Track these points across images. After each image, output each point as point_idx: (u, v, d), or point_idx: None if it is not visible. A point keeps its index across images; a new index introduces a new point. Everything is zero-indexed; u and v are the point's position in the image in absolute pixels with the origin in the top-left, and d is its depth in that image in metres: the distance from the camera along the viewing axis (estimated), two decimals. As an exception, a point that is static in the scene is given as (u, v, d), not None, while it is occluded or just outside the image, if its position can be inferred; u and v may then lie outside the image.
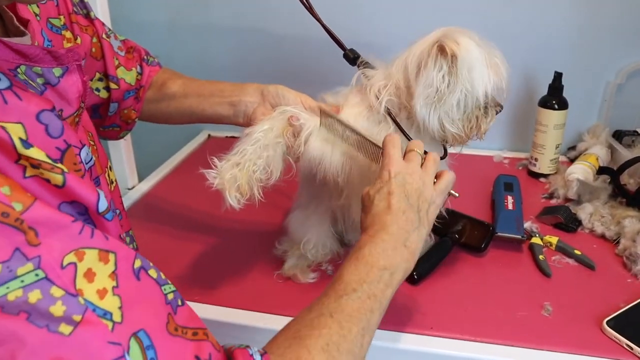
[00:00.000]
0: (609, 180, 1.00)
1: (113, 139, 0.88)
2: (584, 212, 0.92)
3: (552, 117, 1.07)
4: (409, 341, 0.68)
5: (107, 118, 0.80)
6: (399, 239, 0.55)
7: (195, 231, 0.93)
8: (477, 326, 0.69)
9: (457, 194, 0.66)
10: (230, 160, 0.66)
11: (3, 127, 0.36)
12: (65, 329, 0.33)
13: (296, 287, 0.78)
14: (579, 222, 0.92)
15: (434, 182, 0.61)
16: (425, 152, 0.63)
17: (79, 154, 0.47)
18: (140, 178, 1.14)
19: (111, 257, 0.38)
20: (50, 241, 0.34)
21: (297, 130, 0.69)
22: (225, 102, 0.77)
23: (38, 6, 0.58)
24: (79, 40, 0.67)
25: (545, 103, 1.08)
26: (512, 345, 0.67)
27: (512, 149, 1.25)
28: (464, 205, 0.90)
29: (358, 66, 0.74)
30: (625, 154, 1.08)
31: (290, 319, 0.71)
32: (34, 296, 0.33)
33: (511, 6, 1.15)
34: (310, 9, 0.75)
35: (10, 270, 0.32)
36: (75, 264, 0.35)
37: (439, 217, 0.80)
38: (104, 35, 0.75)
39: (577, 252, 0.83)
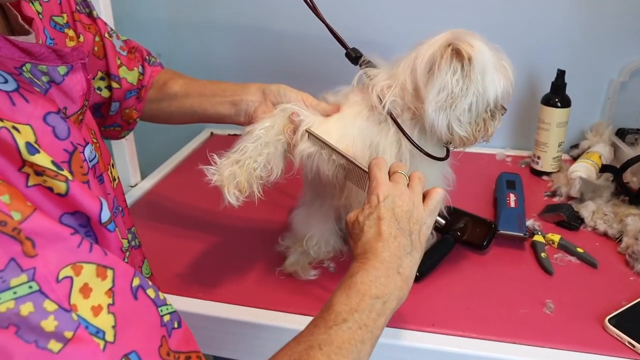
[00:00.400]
0: (611, 178, 1.00)
1: (114, 139, 0.88)
2: (587, 210, 0.92)
3: (555, 115, 1.06)
4: (411, 338, 0.68)
5: (108, 117, 0.80)
6: (391, 266, 0.53)
7: (198, 228, 0.94)
8: (479, 324, 0.69)
9: (443, 222, 0.64)
10: (231, 158, 0.66)
11: (9, 131, 0.35)
12: (54, 345, 0.33)
13: (298, 284, 0.78)
14: (581, 220, 0.92)
15: (423, 202, 0.59)
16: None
17: (83, 152, 0.47)
18: (143, 176, 1.15)
19: (109, 273, 0.37)
20: (47, 253, 0.33)
21: (297, 126, 0.69)
22: (226, 102, 0.77)
23: (41, 4, 0.58)
24: (81, 39, 0.67)
25: (548, 101, 1.08)
26: (514, 343, 0.67)
27: (514, 147, 1.25)
28: (466, 203, 0.90)
29: (360, 65, 0.74)
30: (628, 152, 1.08)
31: (291, 315, 0.72)
32: (26, 309, 0.32)
33: (514, 3, 1.15)
34: (314, 8, 0.75)
35: (4, 281, 0.31)
36: (71, 278, 0.34)
37: (441, 215, 0.80)
38: (106, 35, 0.75)
39: (579, 250, 0.83)
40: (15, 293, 0.32)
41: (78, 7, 0.69)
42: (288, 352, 0.47)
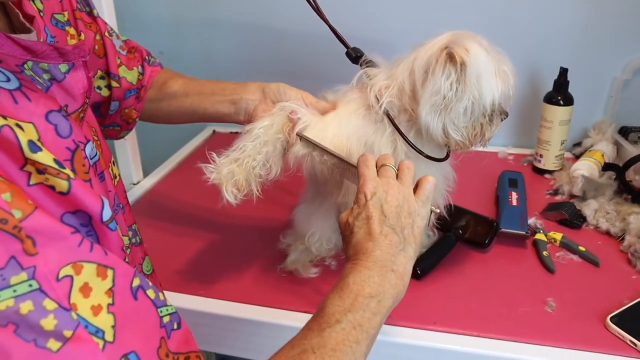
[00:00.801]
0: (614, 176, 0.99)
1: (113, 139, 0.89)
2: (589, 209, 0.92)
3: (558, 113, 1.06)
4: (412, 336, 0.68)
5: (107, 117, 0.80)
6: (384, 264, 0.52)
7: (199, 226, 0.94)
8: (481, 322, 0.69)
9: (437, 210, 0.63)
10: (229, 156, 0.66)
11: (12, 128, 0.35)
12: (53, 344, 0.32)
13: (299, 282, 0.78)
14: (583, 219, 0.92)
15: (414, 192, 0.58)
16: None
17: (84, 150, 0.47)
18: (145, 173, 1.15)
19: (109, 273, 0.37)
20: (47, 251, 0.33)
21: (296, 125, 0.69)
22: (226, 100, 0.77)
23: (42, 2, 0.58)
24: (82, 37, 0.67)
25: (550, 99, 1.07)
26: (516, 341, 0.67)
27: (517, 145, 1.25)
28: (468, 201, 0.90)
29: (360, 65, 0.74)
30: (631, 150, 1.07)
31: (291, 313, 0.72)
32: (26, 307, 0.32)
33: (516, 2, 1.14)
34: (316, 7, 0.75)
35: (4, 279, 0.31)
36: (71, 277, 0.34)
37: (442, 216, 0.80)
38: (106, 34, 0.75)
39: (581, 248, 0.83)
40: (15, 291, 0.31)
41: (79, 6, 0.69)
42: (282, 357, 0.46)
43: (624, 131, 1.17)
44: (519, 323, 0.69)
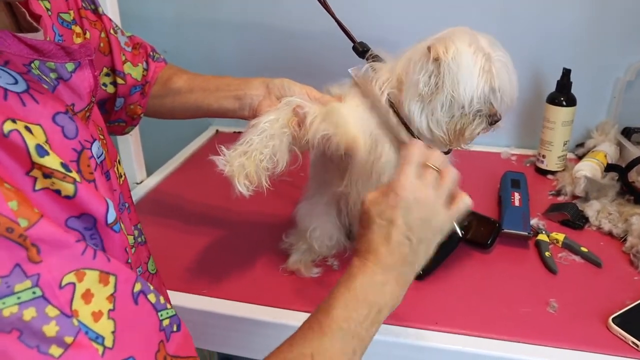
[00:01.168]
0: (617, 177, 0.99)
1: (118, 134, 0.89)
2: (592, 210, 0.92)
3: (560, 114, 1.06)
4: (414, 336, 0.68)
5: (113, 113, 0.81)
6: (392, 275, 0.52)
7: (203, 225, 0.94)
8: (482, 322, 0.70)
9: (460, 233, 0.63)
10: (238, 149, 0.66)
11: (20, 133, 0.35)
12: (55, 350, 0.33)
13: (301, 282, 0.78)
14: (586, 220, 0.92)
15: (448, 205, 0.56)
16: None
17: (91, 149, 0.47)
18: (149, 173, 1.15)
19: (111, 279, 0.37)
20: (51, 259, 0.34)
21: (302, 119, 0.69)
22: (230, 96, 0.77)
23: (49, 1, 0.59)
24: (88, 35, 0.68)
25: (553, 100, 1.07)
26: (517, 342, 0.67)
27: (519, 145, 1.25)
28: (470, 202, 0.90)
29: (367, 59, 0.74)
30: (634, 152, 1.07)
31: (294, 313, 0.72)
32: (29, 314, 0.32)
33: (519, 2, 1.14)
34: (323, 1, 0.75)
35: (8, 286, 0.32)
36: (74, 284, 0.35)
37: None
38: (111, 31, 0.75)
39: (583, 249, 0.83)
40: (19, 298, 0.32)
41: (84, 4, 0.69)
42: (280, 356, 0.47)
43: (627, 132, 1.17)
44: (520, 323, 0.69)
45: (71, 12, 0.64)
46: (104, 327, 0.36)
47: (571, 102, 1.06)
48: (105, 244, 0.42)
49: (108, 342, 0.36)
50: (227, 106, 0.78)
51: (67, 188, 0.37)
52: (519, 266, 0.82)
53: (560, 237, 0.86)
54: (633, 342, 0.65)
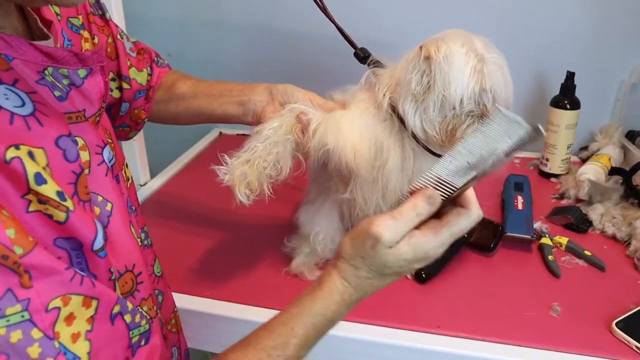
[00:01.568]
0: (621, 181, 0.99)
1: (123, 139, 0.89)
2: (595, 213, 0.92)
3: (564, 117, 1.06)
4: (417, 339, 0.68)
5: (118, 118, 0.81)
6: (361, 296, 0.51)
7: (206, 228, 0.94)
8: (485, 325, 0.69)
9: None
10: (241, 157, 0.67)
11: (22, 160, 0.37)
12: None
13: (304, 284, 0.78)
14: (589, 223, 0.92)
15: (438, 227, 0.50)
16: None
17: (102, 153, 0.49)
18: (153, 175, 1.16)
19: (94, 303, 0.40)
20: (41, 285, 0.36)
21: (305, 126, 0.70)
22: (234, 102, 0.78)
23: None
24: (96, 40, 0.68)
25: (557, 103, 1.07)
26: (520, 345, 0.67)
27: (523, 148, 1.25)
28: (473, 205, 0.90)
29: (368, 65, 0.75)
30: (638, 155, 1.07)
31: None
32: (16, 336, 0.34)
33: (523, 5, 1.14)
34: (323, 8, 0.75)
35: (0, 309, 0.34)
36: (59, 308, 0.37)
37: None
38: (118, 36, 0.76)
39: (587, 253, 0.83)
40: (8, 321, 0.34)
41: (92, 9, 0.69)
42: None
43: (631, 135, 1.17)
44: (523, 327, 0.69)
45: (80, 16, 0.65)
46: (81, 348, 0.38)
47: (575, 105, 1.06)
48: (90, 266, 0.43)
49: None
50: (230, 112, 0.78)
51: (59, 215, 0.39)
52: (522, 270, 0.82)
53: (564, 240, 0.86)
54: (637, 347, 0.65)
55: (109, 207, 0.49)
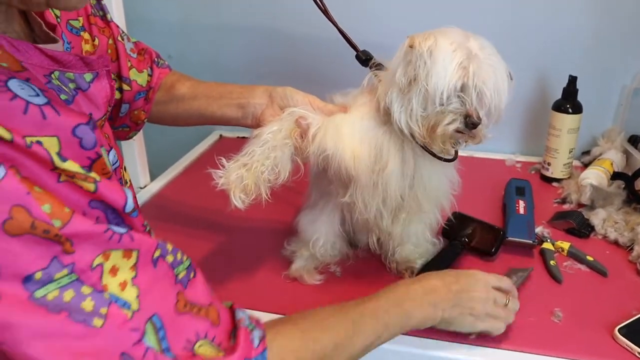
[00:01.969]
0: (623, 185, 0.99)
1: (122, 139, 0.89)
2: (597, 218, 0.91)
3: (566, 121, 1.05)
4: (417, 345, 0.67)
5: (117, 119, 0.81)
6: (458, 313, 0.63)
7: (206, 231, 0.94)
8: (486, 331, 0.69)
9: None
10: (239, 161, 0.67)
11: (39, 143, 0.38)
12: (97, 322, 0.39)
13: (304, 288, 0.78)
14: (591, 228, 0.91)
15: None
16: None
17: (108, 156, 0.48)
18: (152, 177, 1.15)
19: (134, 253, 0.42)
20: (82, 248, 0.39)
21: (304, 130, 0.69)
22: (233, 104, 0.77)
23: None
24: (96, 42, 0.68)
25: (559, 107, 1.07)
26: (521, 351, 0.66)
27: (524, 152, 1.24)
28: (474, 209, 0.90)
29: (370, 67, 0.74)
30: (641, 160, 1.06)
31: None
32: (69, 295, 0.38)
33: (525, 8, 1.14)
34: (325, 10, 0.75)
35: (49, 275, 0.37)
36: (102, 264, 0.40)
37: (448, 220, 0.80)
38: (118, 37, 0.76)
39: (589, 258, 0.82)
40: (59, 283, 0.38)
41: (93, 10, 0.69)
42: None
43: (634, 140, 1.16)
44: (525, 333, 0.68)
45: (80, 18, 0.64)
46: (129, 293, 0.41)
47: (577, 109, 1.05)
48: (126, 223, 0.45)
49: (134, 306, 0.41)
50: (230, 114, 0.78)
51: (89, 186, 0.41)
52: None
53: (566, 245, 0.85)
54: (639, 353, 0.64)
55: None
